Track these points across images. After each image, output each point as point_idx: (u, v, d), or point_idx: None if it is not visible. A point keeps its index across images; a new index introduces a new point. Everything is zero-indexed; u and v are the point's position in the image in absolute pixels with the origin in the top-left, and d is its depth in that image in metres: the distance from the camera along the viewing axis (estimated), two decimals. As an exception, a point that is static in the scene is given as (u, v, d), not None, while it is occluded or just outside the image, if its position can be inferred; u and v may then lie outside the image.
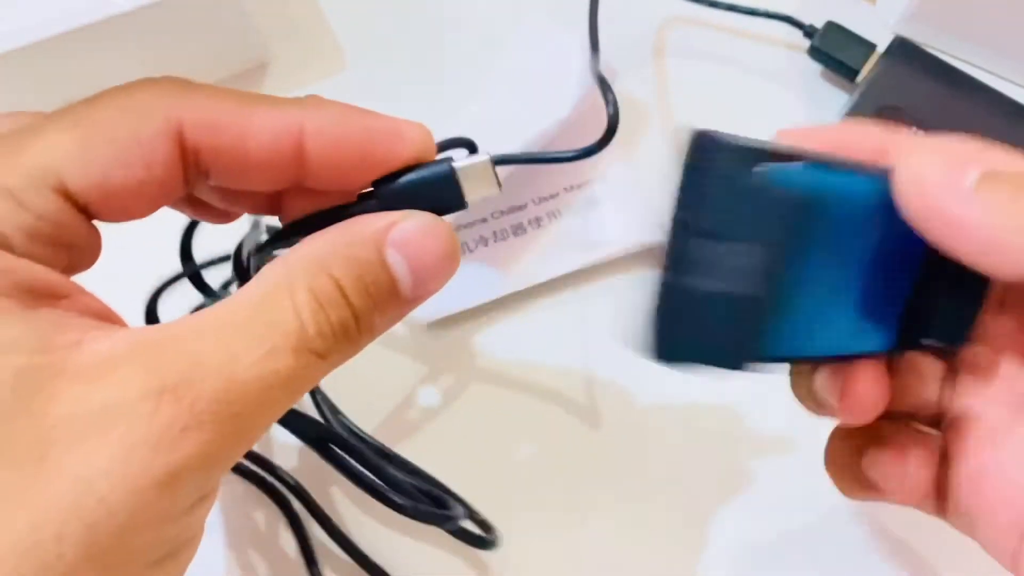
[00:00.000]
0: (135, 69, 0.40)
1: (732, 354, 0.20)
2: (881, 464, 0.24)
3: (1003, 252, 0.19)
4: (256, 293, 0.19)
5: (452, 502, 0.33)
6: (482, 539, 0.34)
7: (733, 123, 0.42)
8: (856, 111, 0.40)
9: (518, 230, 0.40)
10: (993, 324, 0.24)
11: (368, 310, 0.19)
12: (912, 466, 0.24)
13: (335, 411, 0.36)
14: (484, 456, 0.37)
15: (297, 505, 0.36)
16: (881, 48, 0.41)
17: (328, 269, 0.19)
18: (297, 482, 0.36)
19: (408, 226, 0.20)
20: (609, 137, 0.36)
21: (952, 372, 0.25)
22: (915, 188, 0.20)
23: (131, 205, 0.20)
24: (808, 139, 0.23)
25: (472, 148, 0.37)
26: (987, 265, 0.20)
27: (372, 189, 0.22)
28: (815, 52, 0.43)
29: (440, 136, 0.37)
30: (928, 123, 0.39)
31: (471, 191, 0.22)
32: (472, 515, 0.34)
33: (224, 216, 0.24)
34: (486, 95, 0.41)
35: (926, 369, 0.25)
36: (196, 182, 0.21)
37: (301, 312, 0.18)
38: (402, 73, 0.43)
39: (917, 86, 0.40)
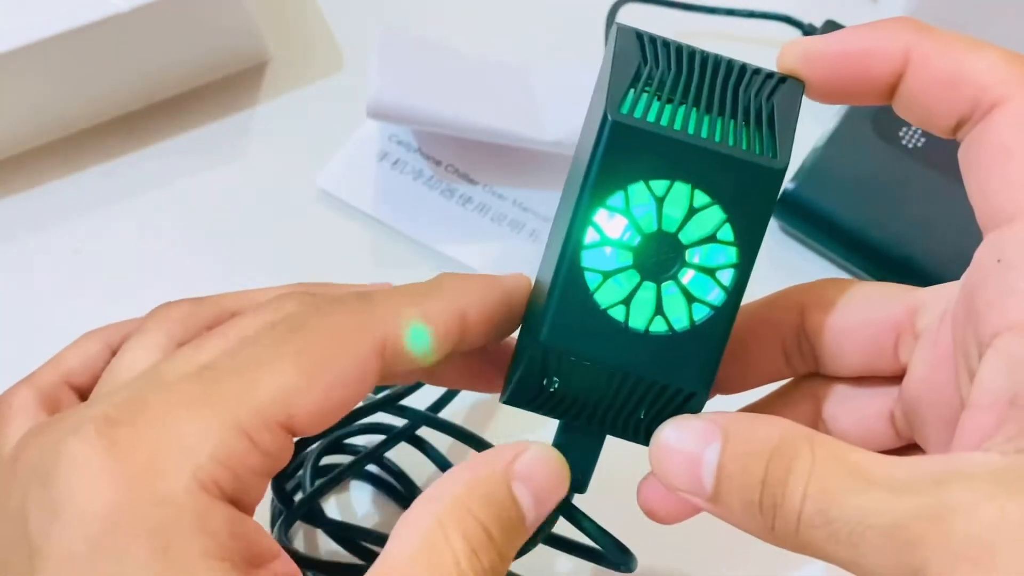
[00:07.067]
0: (135, 69, 0.41)
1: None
2: None
3: None
4: (414, 544, 0.20)
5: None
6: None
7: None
8: (854, 110, 0.39)
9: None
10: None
11: (507, 547, 0.21)
12: None
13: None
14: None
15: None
16: (880, 47, 0.41)
17: (472, 512, 0.20)
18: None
19: (529, 459, 0.22)
20: None
21: None
22: None
23: (334, 420, 0.21)
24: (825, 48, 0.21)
25: None
26: None
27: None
28: (814, 51, 0.43)
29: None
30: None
31: None
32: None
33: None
34: (490, 66, 0.41)
35: None
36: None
37: (460, 562, 0.19)
38: (401, 73, 0.43)
39: (916, 86, 0.40)
